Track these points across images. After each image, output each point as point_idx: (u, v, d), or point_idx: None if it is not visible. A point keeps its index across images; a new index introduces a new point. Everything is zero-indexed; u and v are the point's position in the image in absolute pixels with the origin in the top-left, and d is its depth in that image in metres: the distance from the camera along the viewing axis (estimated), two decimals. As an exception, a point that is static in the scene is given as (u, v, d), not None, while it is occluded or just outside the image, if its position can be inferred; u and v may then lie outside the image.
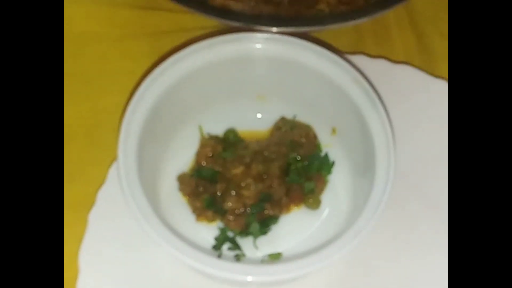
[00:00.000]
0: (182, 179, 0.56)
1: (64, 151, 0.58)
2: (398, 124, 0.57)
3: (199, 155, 0.57)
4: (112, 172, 0.56)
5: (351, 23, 0.57)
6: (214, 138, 0.58)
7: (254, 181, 0.55)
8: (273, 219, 0.55)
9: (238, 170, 0.55)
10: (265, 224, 0.55)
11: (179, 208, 0.56)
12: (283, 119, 0.59)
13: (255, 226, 0.54)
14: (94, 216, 0.54)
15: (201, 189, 0.56)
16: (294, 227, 0.55)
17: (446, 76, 0.63)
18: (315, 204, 0.56)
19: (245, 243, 0.54)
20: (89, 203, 0.55)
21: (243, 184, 0.55)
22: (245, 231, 0.55)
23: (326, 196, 0.57)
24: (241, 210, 0.54)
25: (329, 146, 0.58)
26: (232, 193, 0.55)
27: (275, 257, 0.54)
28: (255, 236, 0.54)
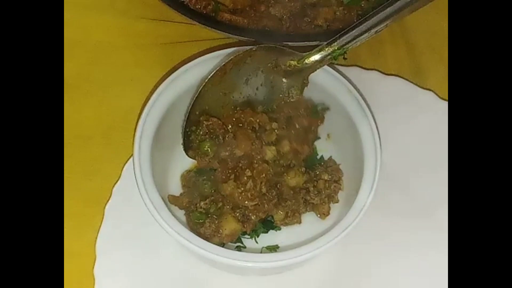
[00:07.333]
0: (184, 177, 0.59)
1: (83, 150, 0.63)
2: (388, 130, 0.61)
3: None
4: (126, 169, 0.60)
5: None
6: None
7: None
8: (273, 224, 0.58)
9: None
10: (266, 225, 0.58)
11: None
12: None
13: (259, 227, 0.58)
14: (110, 209, 0.58)
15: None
16: (290, 225, 0.58)
17: (433, 87, 0.66)
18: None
19: (246, 237, 0.58)
20: (105, 197, 0.59)
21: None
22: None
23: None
24: None
25: (325, 150, 0.62)
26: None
27: (272, 249, 0.57)
28: (258, 234, 0.58)
